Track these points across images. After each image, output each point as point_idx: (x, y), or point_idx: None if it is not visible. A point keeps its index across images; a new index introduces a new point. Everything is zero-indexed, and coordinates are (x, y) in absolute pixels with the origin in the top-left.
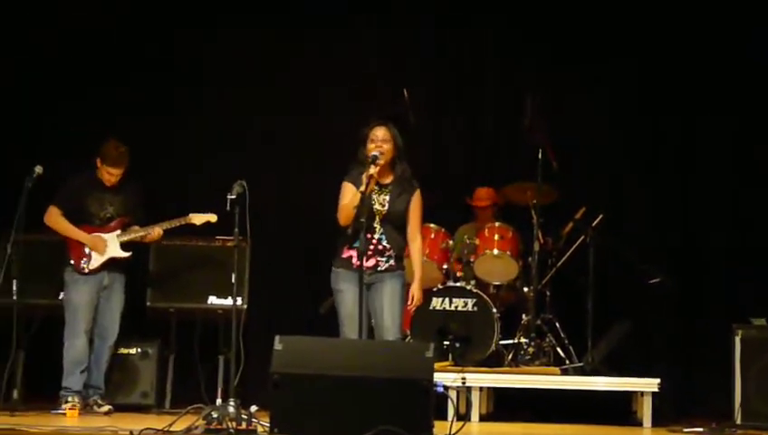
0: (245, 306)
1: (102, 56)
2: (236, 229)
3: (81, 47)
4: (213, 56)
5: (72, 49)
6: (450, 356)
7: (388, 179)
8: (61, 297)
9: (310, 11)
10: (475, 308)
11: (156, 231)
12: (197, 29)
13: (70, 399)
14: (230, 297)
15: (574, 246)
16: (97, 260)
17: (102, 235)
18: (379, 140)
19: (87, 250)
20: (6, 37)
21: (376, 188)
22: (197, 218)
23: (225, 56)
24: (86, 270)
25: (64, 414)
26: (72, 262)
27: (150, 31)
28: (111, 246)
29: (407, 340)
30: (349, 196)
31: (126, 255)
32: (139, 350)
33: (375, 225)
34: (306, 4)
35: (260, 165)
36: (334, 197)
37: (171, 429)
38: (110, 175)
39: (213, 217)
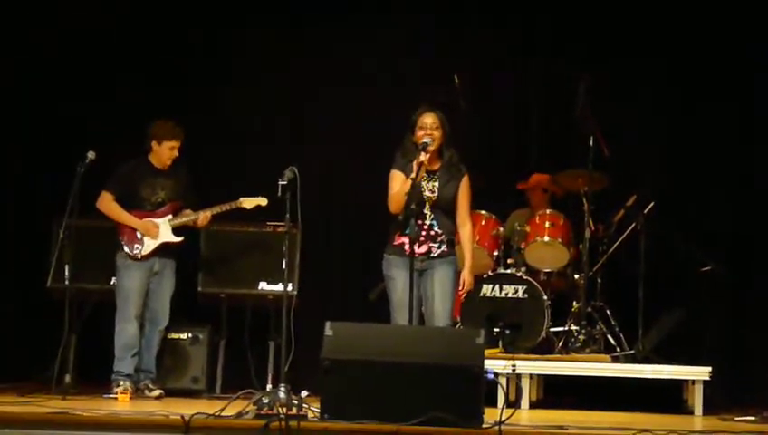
0: (296, 292)
1: (149, 44)
2: (287, 215)
3: (128, 36)
4: (262, 41)
5: (120, 38)
6: (500, 343)
7: (436, 166)
8: (112, 282)
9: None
10: (526, 295)
11: (206, 215)
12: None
13: (121, 383)
14: (281, 283)
15: (625, 234)
16: (149, 245)
17: (154, 220)
18: (429, 127)
19: (139, 235)
20: (54, 22)
21: (425, 174)
22: (248, 202)
23: (272, 42)
24: (139, 256)
25: (116, 398)
26: (125, 247)
27: (195, 19)
28: (163, 231)
29: (457, 327)
30: (398, 183)
31: (178, 240)
32: (190, 335)
33: (425, 211)
34: None
35: (311, 150)
36: (385, 183)
37: (222, 413)
38: (172, 150)
39: (263, 201)
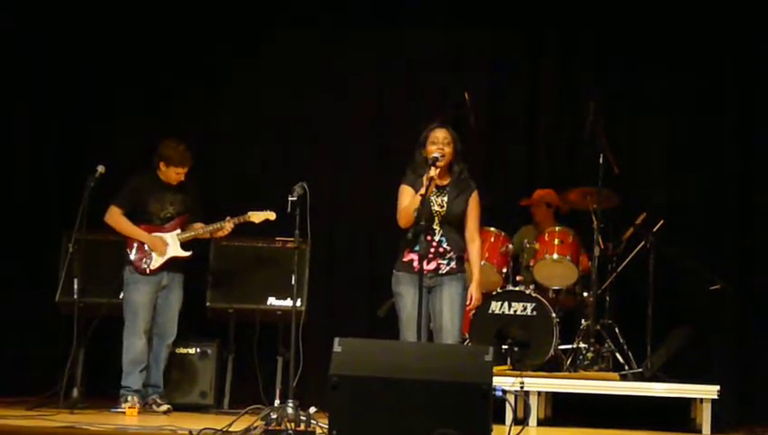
0: (304, 308)
1: (158, 59)
2: (297, 231)
3: (137, 50)
4: (269, 57)
5: (129, 51)
6: (509, 360)
7: (445, 181)
8: (121, 297)
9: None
10: (535, 313)
11: (227, 226)
12: (251, 32)
13: (129, 398)
14: (289, 299)
15: (634, 252)
16: (158, 260)
17: (163, 234)
18: (440, 143)
19: (147, 250)
20: (66, 35)
21: (434, 189)
22: (256, 217)
23: (280, 57)
24: (147, 270)
25: (124, 413)
26: (134, 262)
27: (201, 35)
28: (172, 245)
29: (465, 343)
30: (407, 198)
31: (186, 254)
32: (198, 350)
33: (434, 227)
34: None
35: (322, 166)
36: (395, 198)
37: (230, 429)
38: (179, 175)
39: (272, 215)
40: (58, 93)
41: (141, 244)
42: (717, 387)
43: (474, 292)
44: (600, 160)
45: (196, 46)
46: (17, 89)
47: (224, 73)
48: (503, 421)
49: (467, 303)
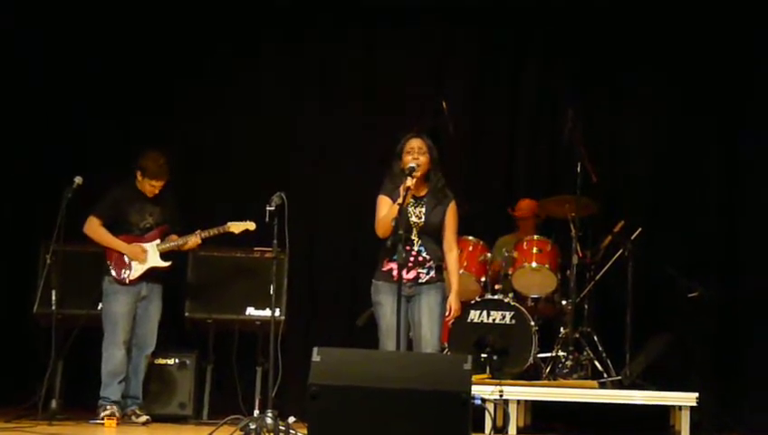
0: (283, 318)
1: (142, 68)
2: (275, 241)
3: (121, 59)
4: (246, 66)
5: (113, 60)
6: (488, 369)
7: (423, 192)
8: (99, 308)
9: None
10: (513, 321)
11: (193, 239)
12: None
13: (108, 409)
14: (268, 309)
15: (613, 260)
16: (137, 270)
17: (142, 244)
18: (416, 152)
19: (127, 260)
20: (53, 47)
21: (411, 200)
22: (236, 227)
23: (259, 66)
24: (127, 280)
25: (102, 424)
26: (113, 272)
27: (184, 43)
28: (151, 255)
29: (444, 352)
30: (385, 209)
31: (166, 264)
32: (176, 360)
33: (413, 237)
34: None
35: (298, 176)
36: (373, 207)
37: None
38: (153, 187)
39: (251, 226)
40: (50, 99)
41: (120, 254)
42: (696, 394)
43: (452, 302)
44: (578, 169)
45: (194, 47)
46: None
47: (201, 78)
48: (482, 430)
49: (446, 313)
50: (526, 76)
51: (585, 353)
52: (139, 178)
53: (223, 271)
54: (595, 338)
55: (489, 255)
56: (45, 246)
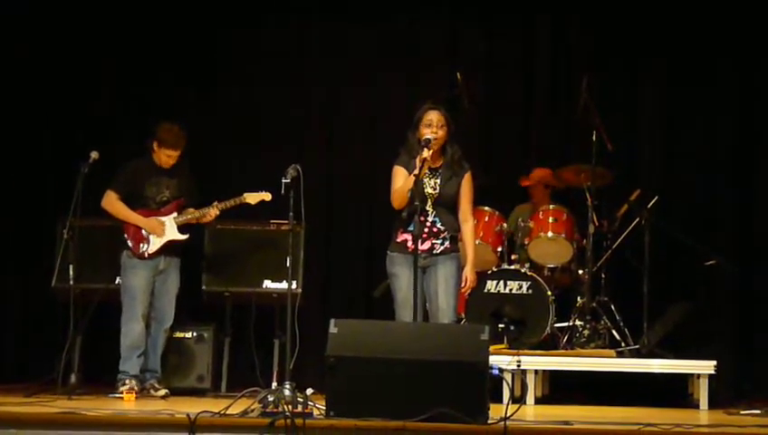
0: (300, 290)
1: (154, 43)
2: (291, 213)
3: (133, 35)
4: (267, 42)
5: (126, 37)
6: (505, 339)
7: (438, 163)
8: (117, 282)
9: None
10: (530, 291)
11: (212, 212)
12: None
13: (127, 382)
14: (285, 281)
15: (629, 228)
16: (155, 244)
17: (160, 217)
18: (434, 125)
19: (145, 234)
20: (61, 25)
21: (427, 171)
22: (252, 198)
23: (278, 42)
24: (145, 254)
25: (121, 398)
26: (131, 246)
27: (198, 21)
28: (169, 228)
29: (461, 323)
30: (401, 180)
31: (184, 237)
32: (194, 334)
33: (427, 208)
34: None
35: (314, 148)
36: (388, 179)
37: (228, 412)
38: (169, 157)
39: (267, 196)
40: (57, 83)
41: (138, 228)
42: (714, 362)
43: (468, 274)
44: (594, 138)
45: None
46: (16, 81)
47: (223, 58)
48: (500, 400)
49: (462, 284)
50: (541, 45)
51: (602, 322)
52: (156, 149)
53: (240, 244)
54: (612, 307)
55: (505, 225)
56: (62, 222)
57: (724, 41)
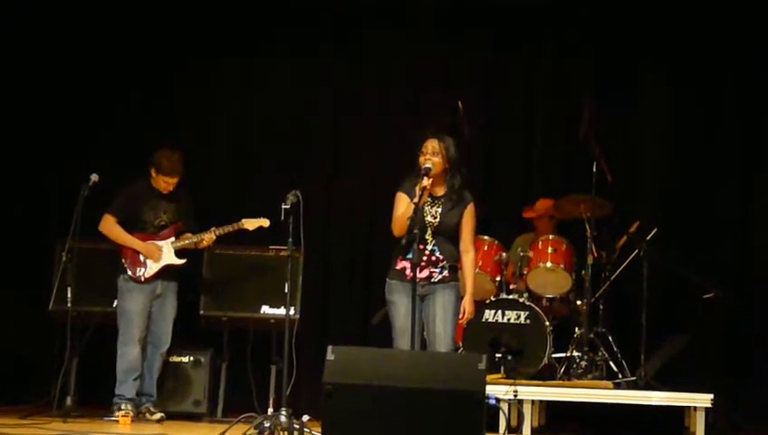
0: (298, 316)
1: (153, 65)
2: (290, 239)
3: (132, 57)
4: (262, 64)
5: (125, 59)
6: (502, 369)
7: (440, 192)
8: (114, 305)
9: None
10: (528, 321)
11: (209, 237)
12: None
13: (123, 406)
14: (283, 307)
15: (628, 260)
16: (152, 268)
17: (157, 242)
18: (429, 153)
19: (142, 258)
20: (61, 46)
21: (429, 199)
22: (250, 223)
23: (275, 64)
24: (142, 278)
25: (117, 421)
26: (128, 270)
27: (196, 43)
28: (166, 253)
29: (459, 352)
30: (402, 207)
31: (181, 262)
32: (191, 358)
33: (427, 237)
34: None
35: (313, 174)
36: (388, 207)
37: None
38: (167, 184)
39: (265, 222)
40: (56, 102)
41: (135, 252)
42: (711, 395)
43: (467, 304)
44: (594, 169)
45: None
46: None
47: (217, 77)
48: (496, 430)
49: (460, 315)
50: (541, 76)
51: (600, 354)
52: (153, 175)
53: (238, 269)
54: (610, 338)
55: (504, 254)
56: (61, 244)
57: (727, 63)
